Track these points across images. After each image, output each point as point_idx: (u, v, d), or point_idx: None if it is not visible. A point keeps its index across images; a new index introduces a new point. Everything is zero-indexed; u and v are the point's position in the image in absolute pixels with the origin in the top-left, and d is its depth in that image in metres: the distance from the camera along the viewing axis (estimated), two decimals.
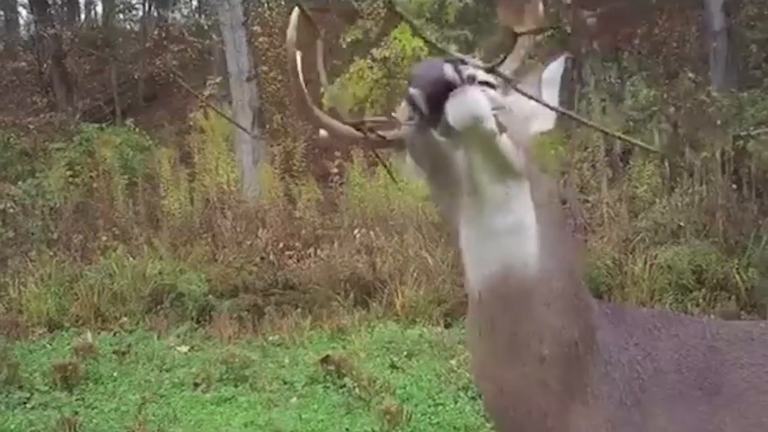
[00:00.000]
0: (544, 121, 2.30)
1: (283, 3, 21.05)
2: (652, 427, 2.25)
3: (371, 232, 9.26)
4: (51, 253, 9.29)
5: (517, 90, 1.98)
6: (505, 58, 2.25)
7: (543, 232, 2.18)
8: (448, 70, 2.01)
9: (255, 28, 14.88)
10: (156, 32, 18.69)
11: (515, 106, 2.16)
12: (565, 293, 2.22)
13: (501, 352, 2.23)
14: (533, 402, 2.23)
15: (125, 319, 8.31)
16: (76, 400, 6.57)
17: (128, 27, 22.86)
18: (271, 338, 7.84)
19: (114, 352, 7.46)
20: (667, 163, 9.65)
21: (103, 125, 14.08)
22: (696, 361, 2.30)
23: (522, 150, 2.14)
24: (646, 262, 8.15)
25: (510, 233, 2.16)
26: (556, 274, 2.20)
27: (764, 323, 2.56)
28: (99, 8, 23.66)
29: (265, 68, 14.80)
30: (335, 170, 10.67)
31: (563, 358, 2.21)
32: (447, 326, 7.84)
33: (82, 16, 23.54)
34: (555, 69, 2.34)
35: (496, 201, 2.14)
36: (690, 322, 2.48)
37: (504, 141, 2.06)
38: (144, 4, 22.71)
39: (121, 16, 23.09)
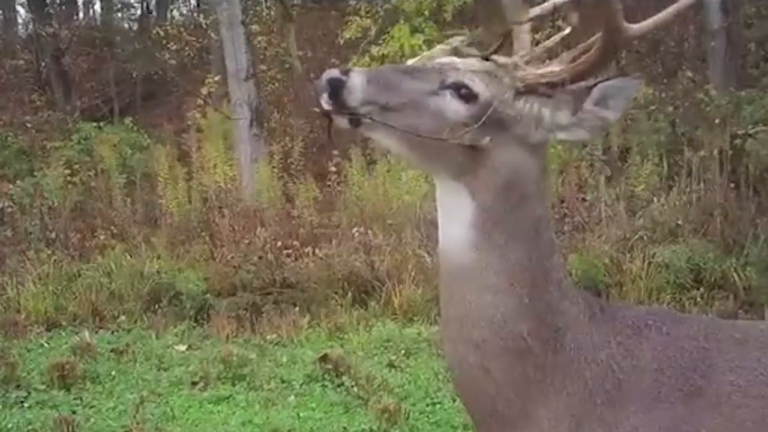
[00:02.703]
0: (579, 132, 2.31)
1: (281, 2, 21.11)
2: (625, 426, 2.26)
3: (369, 231, 9.26)
4: (49, 252, 9.27)
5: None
6: (500, 46, 2.34)
7: (481, 226, 2.26)
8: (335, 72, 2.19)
9: (253, 26, 14.89)
10: (154, 31, 18.65)
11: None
12: (505, 288, 2.27)
13: (444, 329, 2.39)
14: (479, 385, 2.32)
15: (123, 317, 8.29)
16: (74, 399, 6.55)
17: (126, 26, 22.88)
18: (269, 337, 7.84)
19: (112, 350, 7.44)
20: (665, 162, 9.66)
21: (102, 124, 14.11)
22: (681, 361, 2.30)
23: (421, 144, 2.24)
24: (644, 261, 8.16)
25: (445, 218, 2.31)
26: (493, 267, 2.26)
27: (764, 324, 2.56)
28: (97, 7, 23.65)
29: (263, 67, 14.80)
30: (333, 169, 10.67)
31: (508, 349, 2.28)
32: None
33: (81, 15, 23.49)
34: (616, 87, 2.27)
35: (437, 180, 2.32)
36: (688, 321, 2.48)
37: (381, 132, 2.24)
38: (142, 3, 22.72)
39: (120, 14, 23.10)
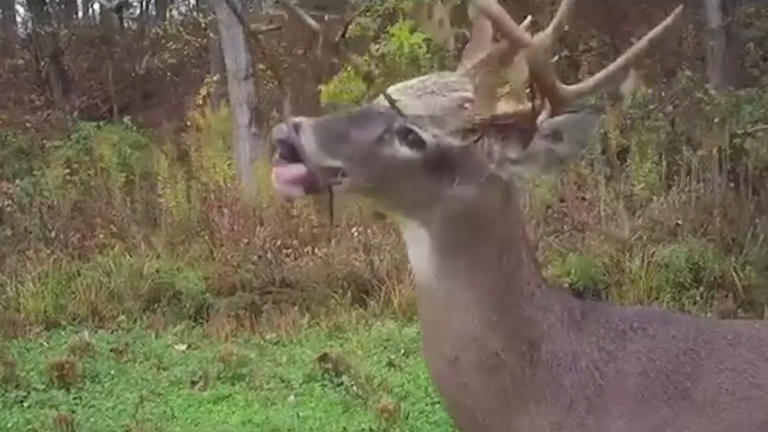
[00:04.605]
0: (531, 168, 2.30)
1: (279, 1, 21.09)
2: (611, 430, 2.27)
3: (369, 230, 9.26)
4: (48, 251, 9.26)
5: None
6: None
7: (441, 255, 2.31)
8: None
9: (253, 26, 14.87)
10: (154, 30, 18.67)
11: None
12: (472, 308, 2.31)
13: (423, 347, 2.47)
14: (459, 399, 2.37)
15: (122, 317, 8.29)
16: (73, 398, 6.55)
17: (126, 25, 22.84)
18: (268, 336, 7.84)
19: (111, 350, 7.44)
20: (664, 161, 9.66)
21: (101, 123, 14.10)
22: (667, 363, 2.30)
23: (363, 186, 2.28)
24: (643, 261, 8.15)
25: (410, 250, 2.37)
26: (457, 292, 2.31)
27: (759, 324, 2.55)
28: (96, 6, 23.62)
29: (262, 66, 14.80)
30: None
31: (482, 365, 2.31)
32: None
33: (80, 14, 23.53)
34: (569, 123, 2.26)
35: (399, 218, 2.39)
36: (678, 322, 2.46)
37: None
38: (141, 2, 22.72)
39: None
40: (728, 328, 2.47)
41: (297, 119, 2.22)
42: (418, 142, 2.23)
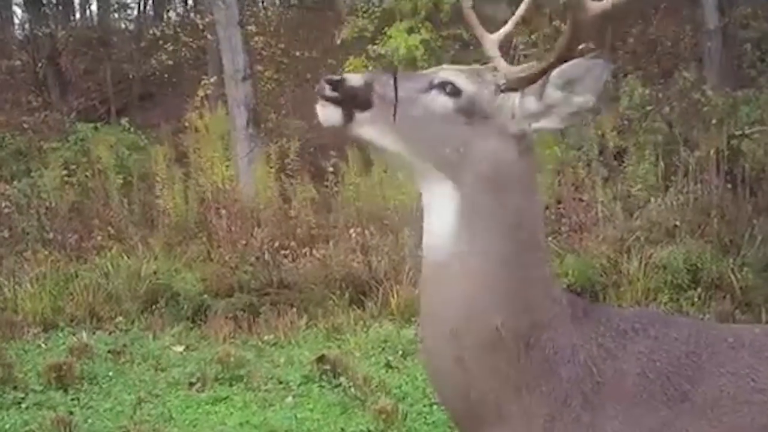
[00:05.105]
0: (551, 120, 2.39)
1: (278, 2, 21.11)
2: (604, 429, 2.27)
3: (366, 231, 9.26)
4: (46, 253, 9.26)
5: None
6: None
7: (463, 215, 2.34)
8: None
9: (250, 27, 14.88)
10: (151, 31, 18.66)
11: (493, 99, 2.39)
12: (484, 278, 2.32)
13: (422, 327, 2.48)
14: (454, 378, 2.37)
15: (120, 318, 8.28)
16: (71, 399, 6.55)
17: (123, 26, 22.85)
18: (266, 338, 7.84)
19: (109, 351, 7.44)
20: (661, 163, 9.66)
21: (98, 124, 14.08)
22: (667, 365, 2.31)
23: (416, 139, 2.37)
24: (641, 262, 8.16)
25: (429, 215, 2.40)
26: (473, 256, 2.32)
27: (759, 328, 2.55)
28: (94, 7, 23.62)
29: (260, 68, 14.80)
30: (330, 169, 10.66)
31: (482, 340, 2.32)
32: None
33: (77, 15, 23.50)
34: (579, 68, 2.33)
35: (423, 176, 2.41)
36: (679, 324, 2.46)
37: (367, 131, 2.38)
38: (139, 3, 22.71)
39: (116, 15, 23.07)
40: (729, 332, 2.47)
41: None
42: (455, 91, 2.36)
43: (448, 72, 2.42)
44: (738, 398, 2.26)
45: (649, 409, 2.26)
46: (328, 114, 2.35)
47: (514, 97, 2.37)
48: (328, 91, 2.33)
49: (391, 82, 2.36)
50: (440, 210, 2.36)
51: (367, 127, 2.36)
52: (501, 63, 2.48)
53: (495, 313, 2.31)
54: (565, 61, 2.30)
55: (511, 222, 2.34)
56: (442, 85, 2.37)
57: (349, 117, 2.34)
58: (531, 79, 2.35)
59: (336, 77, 2.36)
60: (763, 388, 2.27)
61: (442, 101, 2.36)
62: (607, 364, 2.31)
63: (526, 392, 2.31)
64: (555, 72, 2.31)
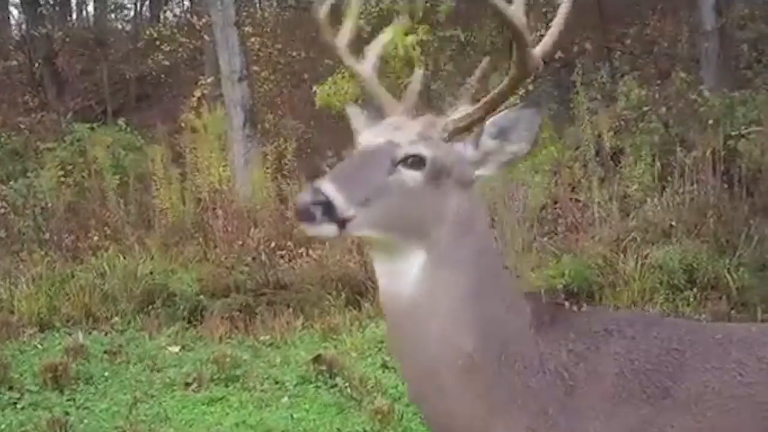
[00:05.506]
0: (488, 167, 2.47)
1: (274, 3, 21.09)
2: (588, 429, 2.29)
3: None
4: (42, 253, 9.26)
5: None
6: None
7: (430, 266, 2.39)
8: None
9: (247, 28, 14.87)
10: (148, 32, 18.64)
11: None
12: (451, 311, 2.39)
13: (400, 362, 2.56)
14: (439, 406, 2.43)
15: (116, 319, 8.27)
16: (67, 400, 6.53)
17: (120, 26, 22.84)
18: (262, 338, 7.83)
19: (105, 352, 7.43)
20: (658, 163, 9.67)
21: (95, 125, 14.05)
22: (644, 363, 2.33)
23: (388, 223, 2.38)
24: (637, 262, 8.16)
25: (392, 267, 2.44)
26: (439, 296, 2.39)
27: (755, 326, 2.55)
28: (90, 8, 23.64)
29: (257, 68, 14.79)
30: (327, 170, 10.63)
31: (457, 368, 2.37)
32: None
33: (74, 16, 23.51)
34: (509, 119, 2.41)
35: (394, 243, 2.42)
36: (663, 324, 2.50)
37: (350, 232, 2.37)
38: (135, 4, 22.70)
39: (113, 15, 23.07)
40: (721, 329, 2.48)
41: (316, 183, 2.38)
42: (418, 161, 2.38)
43: (404, 145, 2.40)
44: (723, 393, 2.27)
45: (630, 408, 2.28)
46: (324, 232, 2.35)
47: (459, 146, 2.46)
48: (318, 215, 2.32)
49: (360, 182, 2.37)
50: (402, 265, 2.41)
51: (360, 229, 2.37)
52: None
53: (466, 340, 2.38)
54: (497, 106, 2.39)
55: (473, 258, 2.41)
56: (405, 160, 2.39)
57: (342, 225, 2.35)
58: (467, 128, 2.44)
59: (315, 200, 2.34)
60: (750, 382, 2.28)
61: (410, 176, 2.39)
62: (579, 368, 2.35)
63: (505, 409, 2.36)
64: (489, 121, 2.40)
